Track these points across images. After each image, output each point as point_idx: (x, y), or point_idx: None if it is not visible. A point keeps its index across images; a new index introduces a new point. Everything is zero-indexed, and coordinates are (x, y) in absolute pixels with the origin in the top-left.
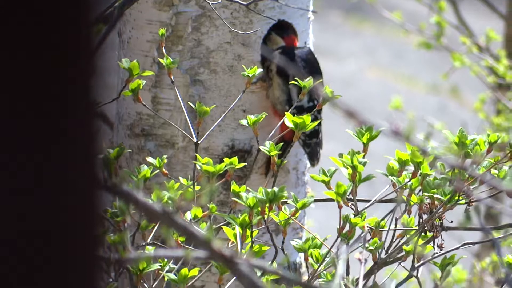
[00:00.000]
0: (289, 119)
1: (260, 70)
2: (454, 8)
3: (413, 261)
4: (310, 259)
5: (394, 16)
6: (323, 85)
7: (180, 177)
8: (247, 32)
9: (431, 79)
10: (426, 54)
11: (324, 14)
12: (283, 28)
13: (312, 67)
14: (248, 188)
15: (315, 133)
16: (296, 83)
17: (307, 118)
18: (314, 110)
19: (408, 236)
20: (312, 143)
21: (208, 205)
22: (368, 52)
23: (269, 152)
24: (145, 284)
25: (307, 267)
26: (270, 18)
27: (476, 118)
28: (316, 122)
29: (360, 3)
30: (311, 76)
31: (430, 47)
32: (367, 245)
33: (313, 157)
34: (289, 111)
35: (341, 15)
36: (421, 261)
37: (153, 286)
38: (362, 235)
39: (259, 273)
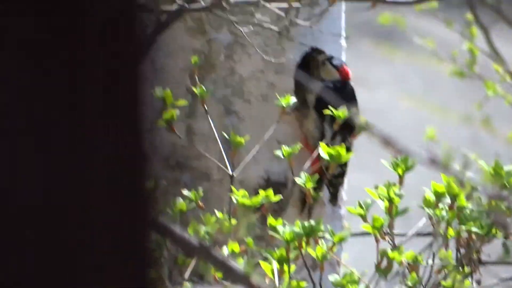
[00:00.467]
0: (324, 150)
1: (294, 99)
2: (486, 35)
3: None
4: None
5: (426, 43)
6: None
7: (215, 210)
8: (280, 59)
9: (463, 109)
10: (459, 82)
11: (355, 42)
12: (332, 57)
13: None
14: (284, 221)
15: (342, 174)
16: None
17: (341, 149)
18: (348, 139)
19: (446, 271)
20: (337, 183)
21: (245, 239)
22: (399, 81)
23: (305, 185)
24: None
25: None
26: (303, 44)
27: (509, 149)
28: (351, 154)
29: (392, 31)
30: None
31: (463, 76)
32: (405, 281)
33: (336, 197)
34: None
35: (372, 42)
36: None
37: None
38: (400, 271)
39: None
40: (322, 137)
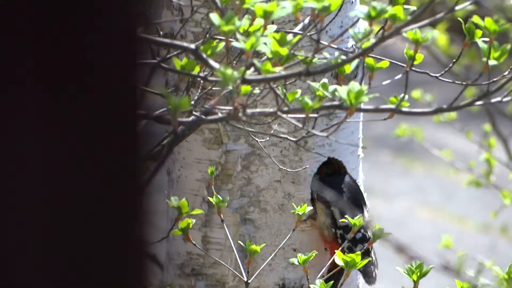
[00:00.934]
0: (339, 257)
1: (310, 208)
2: (505, 145)
3: None
4: None
5: (443, 155)
6: (370, 216)
7: None
8: (297, 170)
9: (481, 218)
10: (476, 192)
11: (374, 153)
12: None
13: (355, 193)
14: None
15: (366, 252)
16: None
17: (357, 256)
18: (364, 248)
19: None
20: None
21: None
22: (418, 191)
23: None
24: None
25: None
26: (320, 154)
27: None
28: (366, 260)
29: (410, 143)
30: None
31: (480, 185)
32: None
33: (369, 275)
34: (342, 245)
35: (390, 154)
36: None
37: None
38: None
39: None
40: (334, 222)
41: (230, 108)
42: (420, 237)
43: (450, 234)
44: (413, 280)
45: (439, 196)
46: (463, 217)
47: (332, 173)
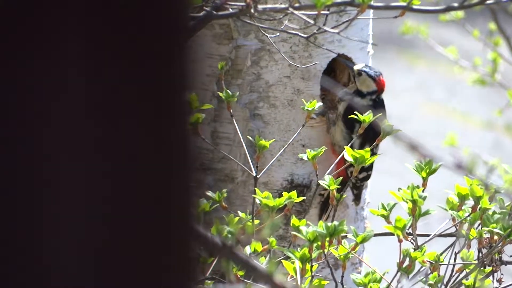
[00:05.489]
0: (348, 153)
1: (320, 104)
2: (508, 43)
3: None
4: None
5: (448, 52)
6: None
7: (239, 211)
8: (307, 66)
9: (486, 116)
10: (481, 90)
11: (378, 50)
12: (368, 66)
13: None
14: (308, 222)
15: (367, 177)
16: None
17: (366, 152)
18: (373, 144)
19: (467, 270)
20: (362, 186)
21: (268, 239)
22: (422, 88)
23: (329, 187)
24: None
25: None
26: (330, 51)
27: None
28: (375, 157)
29: (414, 40)
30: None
31: (485, 84)
32: (426, 279)
33: (359, 198)
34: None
35: (395, 51)
36: None
37: None
38: (422, 269)
39: None
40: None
41: (242, 4)
42: (425, 133)
43: (454, 131)
44: (422, 177)
45: (443, 93)
46: (467, 114)
47: (368, 94)
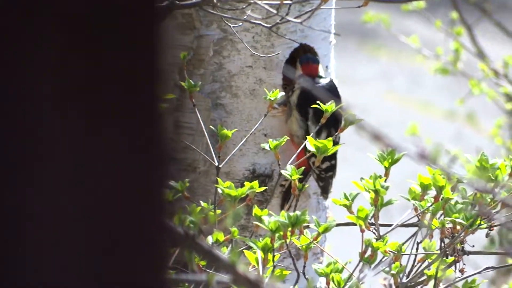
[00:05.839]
0: (310, 143)
1: (282, 93)
2: (470, 34)
3: (434, 286)
4: (331, 284)
5: (410, 42)
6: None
7: (201, 201)
8: (269, 55)
9: (447, 105)
10: (443, 80)
11: (340, 40)
12: (305, 54)
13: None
14: (270, 212)
15: (331, 168)
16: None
17: (328, 142)
18: (335, 134)
19: (429, 260)
20: (327, 177)
21: (230, 229)
22: (384, 78)
23: (291, 176)
24: None
25: None
26: (293, 40)
27: (492, 144)
28: (338, 147)
29: (376, 30)
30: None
31: (447, 72)
32: (388, 269)
33: (327, 191)
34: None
35: (357, 41)
36: (442, 286)
37: None
38: (384, 259)
39: None
40: (306, 135)
41: None
42: (387, 123)
43: (416, 121)
44: (385, 167)
45: (405, 83)
46: (429, 104)
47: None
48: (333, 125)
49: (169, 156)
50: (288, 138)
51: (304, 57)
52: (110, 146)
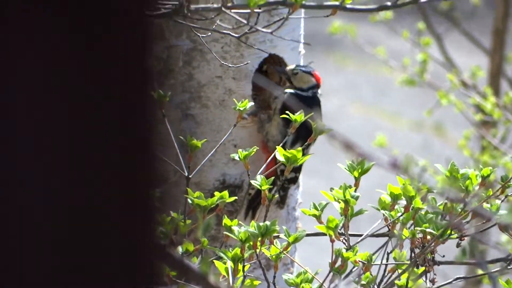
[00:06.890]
0: (280, 153)
1: (251, 104)
2: (439, 43)
3: None
4: None
5: (377, 52)
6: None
7: (171, 212)
8: (238, 65)
9: (415, 116)
10: (410, 90)
11: (307, 50)
12: (299, 65)
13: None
14: (240, 222)
15: (295, 179)
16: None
17: (298, 152)
18: (305, 144)
19: (400, 270)
20: (288, 188)
21: (200, 239)
22: (351, 89)
23: (261, 186)
24: None
25: None
26: (262, 50)
27: (460, 155)
28: (307, 157)
29: (343, 40)
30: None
31: (414, 84)
32: (359, 279)
33: (284, 201)
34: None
35: (323, 51)
36: None
37: None
38: (354, 269)
39: None
40: (283, 142)
41: (175, 3)
42: (354, 134)
43: (383, 131)
44: (354, 177)
45: (371, 94)
46: (396, 115)
47: (309, 89)
48: (309, 135)
49: (157, 158)
50: (258, 148)
51: (308, 67)
52: (96, 146)
